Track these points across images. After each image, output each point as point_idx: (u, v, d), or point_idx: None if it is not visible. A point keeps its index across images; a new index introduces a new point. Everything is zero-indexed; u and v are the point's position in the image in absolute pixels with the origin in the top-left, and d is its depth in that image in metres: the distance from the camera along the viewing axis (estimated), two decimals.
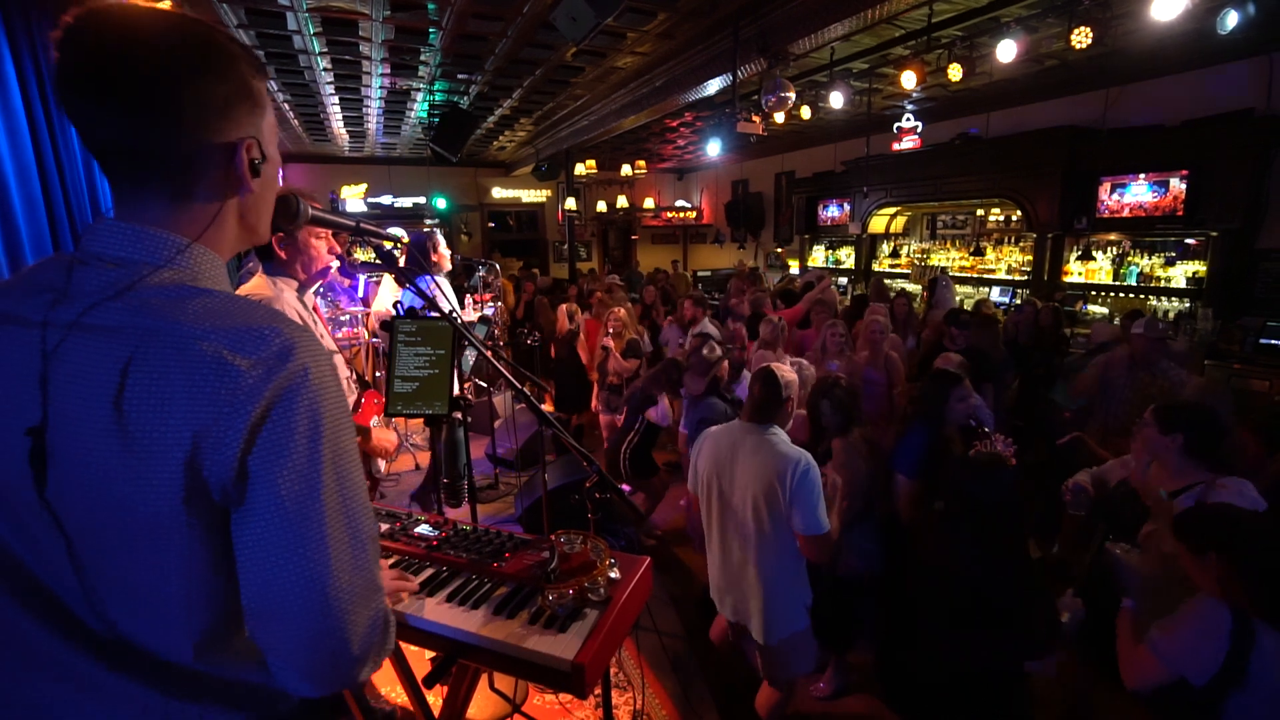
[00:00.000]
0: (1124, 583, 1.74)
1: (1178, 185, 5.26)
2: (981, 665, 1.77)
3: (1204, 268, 5.37)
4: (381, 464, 2.40)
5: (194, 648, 0.72)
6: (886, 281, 8.21)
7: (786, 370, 2.18)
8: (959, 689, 1.83)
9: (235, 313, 0.69)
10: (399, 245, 1.49)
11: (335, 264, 2.10)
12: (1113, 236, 6.04)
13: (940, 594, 1.83)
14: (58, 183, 2.68)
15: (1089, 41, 3.94)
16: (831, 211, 9.35)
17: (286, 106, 7.23)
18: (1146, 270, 5.82)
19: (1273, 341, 4.78)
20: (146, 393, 0.64)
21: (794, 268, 10.00)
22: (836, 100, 5.32)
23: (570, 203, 10.21)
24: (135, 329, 0.65)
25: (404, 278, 1.44)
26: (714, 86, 5.36)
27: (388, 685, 2.47)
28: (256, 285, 1.98)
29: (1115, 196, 5.72)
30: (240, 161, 0.74)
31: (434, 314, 1.64)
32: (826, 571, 2.44)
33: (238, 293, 1.92)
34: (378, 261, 1.47)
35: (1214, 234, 5.19)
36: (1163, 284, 5.70)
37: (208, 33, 0.72)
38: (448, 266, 3.82)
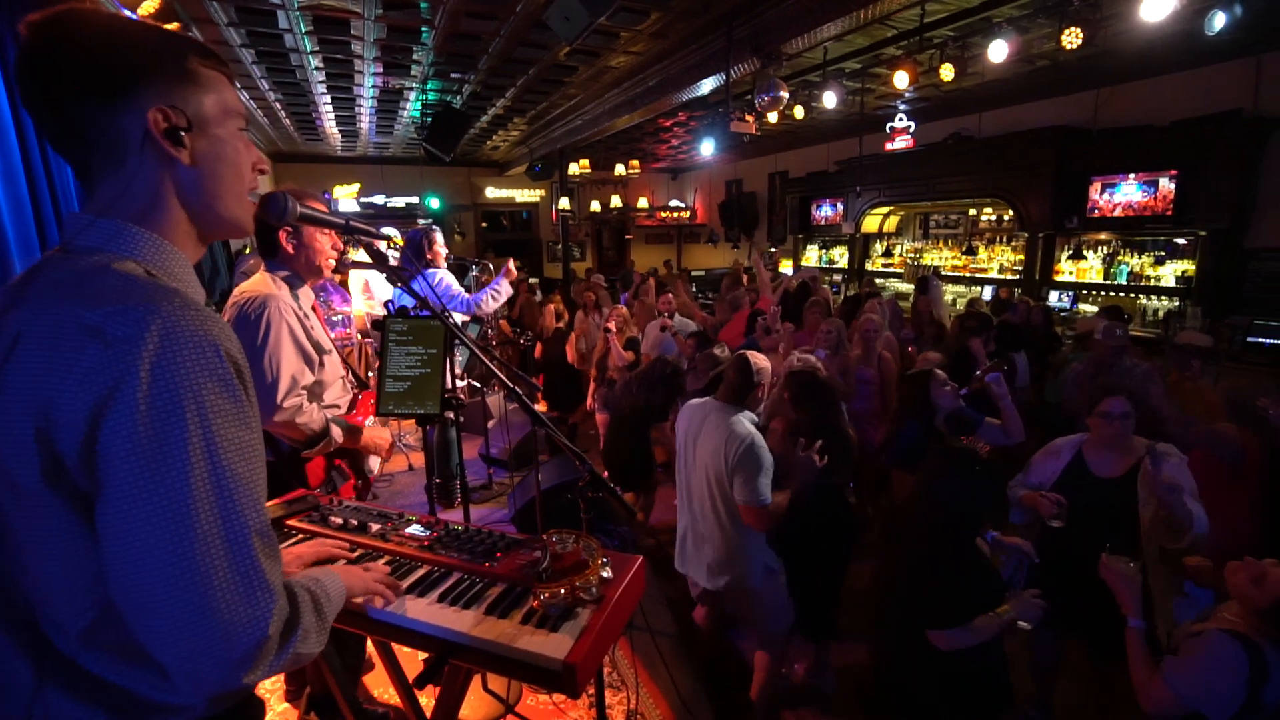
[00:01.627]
0: (1128, 599, 1.70)
1: (1167, 185, 5.30)
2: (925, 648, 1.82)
3: (1193, 267, 5.41)
4: (375, 463, 2.39)
5: (80, 635, 0.72)
6: (879, 281, 8.25)
7: (760, 358, 2.35)
8: (922, 685, 1.89)
9: (119, 293, 0.69)
10: (390, 244, 1.48)
11: (331, 263, 2.11)
12: (1103, 236, 6.08)
13: (894, 584, 1.93)
14: (45, 183, 2.65)
15: (1079, 42, 3.96)
16: (825, 211, 9.37)
17: (278, 106, 7.19)
18: (1136, 269, 5.86)
19: (1260, 340, 4.83)
20: (19, 364, 0.68)
21: (785, 268, 10.02)
22: (830, 100, 5.33)
23: (564, 202, 10.19)
24: (36, 306, 0.71)
25: (395, 277, 1.44)
26: (707, 86, 5.36)
27: (380, 687, 2.46)
28: (256, 282, 1.97)
29: (1106, 196, 5.76)
30: (153, 128, 0.75)
31: (425, 313, 1.63)
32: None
33: (238, 289, 1.92)
34: (370, 261, 1.46)
35: (1203, 233, 5.23)
36: (1153, 283, 5.74)
37: (137, 26, 0.78)
38: (443, 264, 3.81)
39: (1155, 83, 5.61)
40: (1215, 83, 5.18)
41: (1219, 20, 3.57)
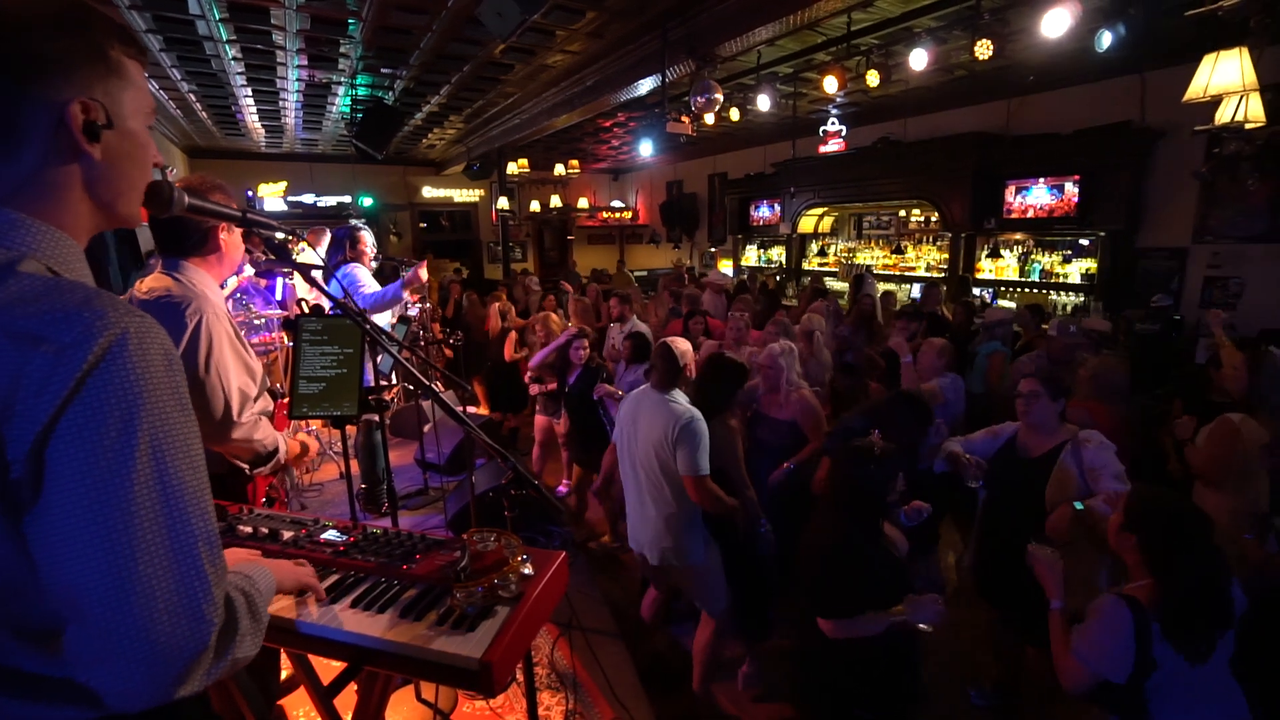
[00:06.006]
0: (1049, 584, 1.81)
1: (1072, 189, 5.71)
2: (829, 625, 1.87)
3: (1095, 265, 5.86)
4: (294, 471, 2.28)
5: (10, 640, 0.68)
6: (827, 280, 8.53)
7: (681, 342, 2.61)
8: (833, 667, 1.95)
9: (47, 296, 0.66)
10: (291, 237, 1.41)
11: (250, 270, 1.97)
12: (1018, 236, 6.49)
13: (803, 567, 2.01)
14: None
15: (990, 53, 4.22)
16: (763, 212, 9.60)
17: (193, 97, 6.77)
18: (1048, 267, 6.29)
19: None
20: None
21: (725, 267, 10.23)
22: (763, 103, 5.47)
23: (503, 202, 10.03)
24: None
25: (302, 273, 1.37)
26: (645, 87, 5.40)
27: (304, 705, 2.35)
28: (168, 282, 1.74)
29: (1019, 199, 6.15)
30: (70, 121, 0.70)
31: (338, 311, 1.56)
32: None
33: (144, 287, 1.74)
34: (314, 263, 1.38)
35: (1102, 234, 5.67)
36: (1062, 279, 6.17)
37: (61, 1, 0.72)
38: (369, 263, 3.68)
39: (1059, 94, 6.05)
40: (1109, 96, 5.63)
41: (1106, 38, 3.88)
